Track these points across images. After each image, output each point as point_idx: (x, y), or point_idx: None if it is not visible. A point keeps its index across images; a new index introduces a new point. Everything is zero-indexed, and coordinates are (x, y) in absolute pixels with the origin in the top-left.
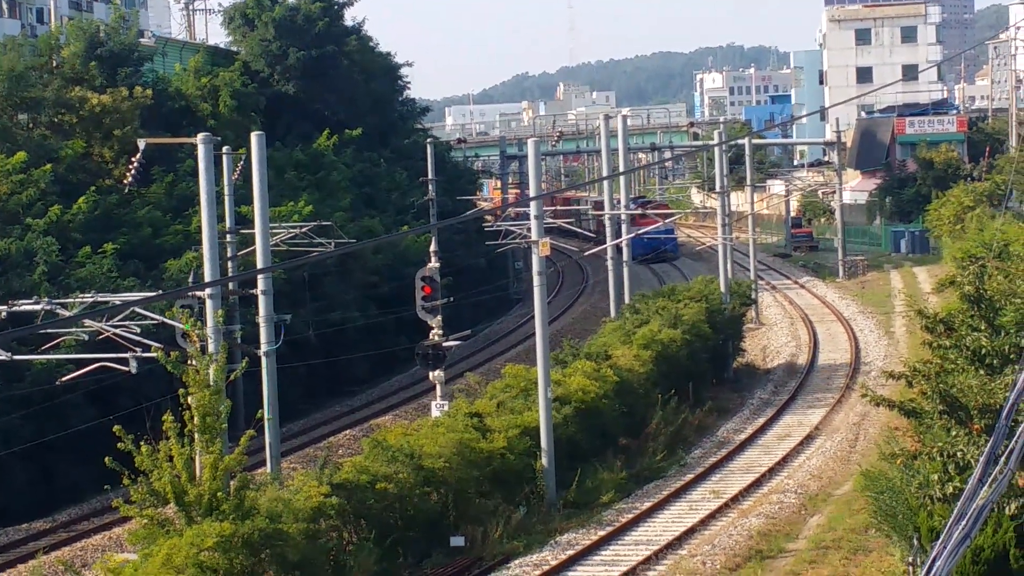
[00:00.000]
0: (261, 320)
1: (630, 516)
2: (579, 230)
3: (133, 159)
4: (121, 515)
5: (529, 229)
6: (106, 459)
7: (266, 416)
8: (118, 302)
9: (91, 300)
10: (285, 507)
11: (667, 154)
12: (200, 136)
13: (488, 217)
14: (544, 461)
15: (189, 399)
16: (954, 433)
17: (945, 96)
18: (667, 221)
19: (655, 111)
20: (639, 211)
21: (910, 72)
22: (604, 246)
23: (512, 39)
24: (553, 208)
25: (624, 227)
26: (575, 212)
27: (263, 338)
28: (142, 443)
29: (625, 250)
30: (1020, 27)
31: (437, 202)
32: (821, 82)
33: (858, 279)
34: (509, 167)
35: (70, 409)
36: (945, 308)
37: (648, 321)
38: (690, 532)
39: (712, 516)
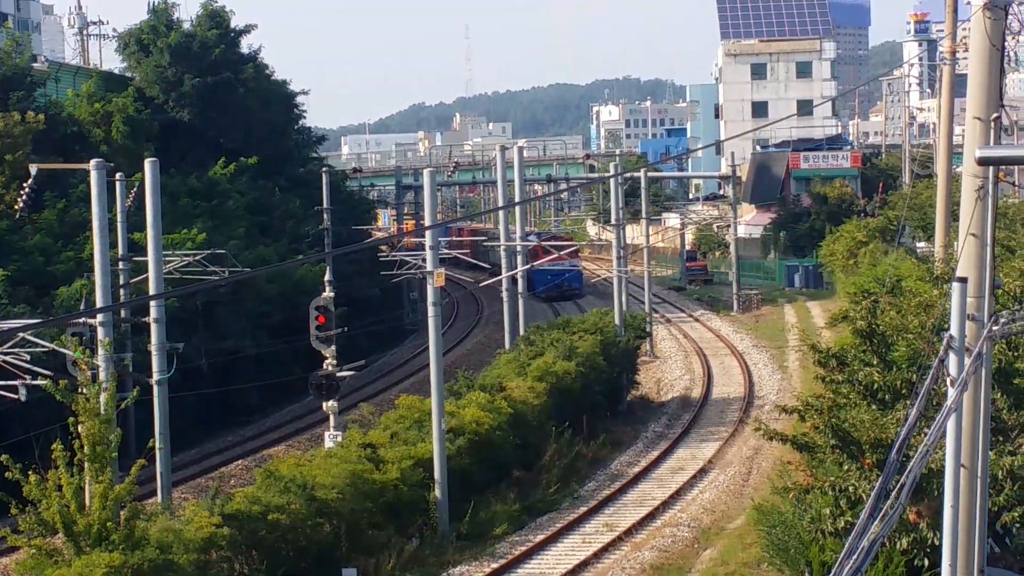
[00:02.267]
0: (153, 348)
1: (523, 549)
2: (477, 262)
3: (24, 184)
4: (9, 545)
5: (424, 260)
6: None
7: (157, 445)
8: (6, 328)
9: None
10: (176, 538)
11: (563, 186)
12: (93, 162)
13: (383, 247)
14: (437, 493)
15: (79, 428)
16: (846, 468)
17: (839, 131)
18: (564, 252)
19: (551, 143)
20: (541, 244)
21: (805, 107)
22: (499, 277)
23: (409, 69)
24: (460, 239)
25: (520, 259)
26: (478, 244)
27: (155, 367)
28: (31, 472)
29: (520, 281)
30: (913, 64)
31: (332, 231)
32: (717, 116)
33: (752, 313)
34: (405, 197)
35: None
36: (838, 343)
37: (543, 353)
38: (583, 565)
39: (605, 549)
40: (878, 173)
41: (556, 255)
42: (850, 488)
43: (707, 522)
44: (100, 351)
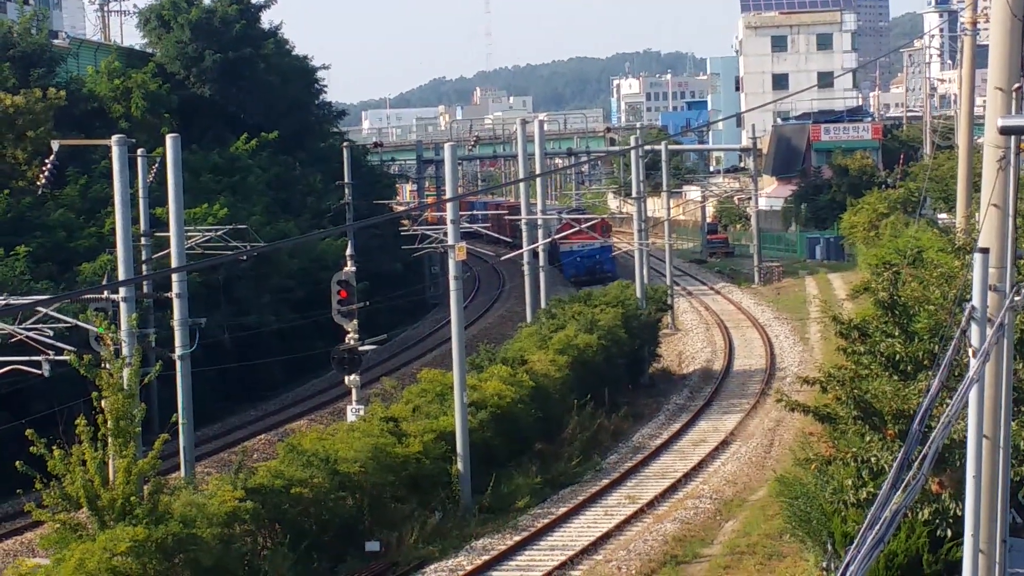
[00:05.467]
0: (176, 323)
1: (546, 521)
2: (501, 236)
3: (46, 161)
4: (33, 519)
5: (446, 233)
6: (17, 463)
7: (180, 420)
8: (29, 303)
9: (3, 303)
10: (199, 512)
11: (583, 159)
12: (115, 138)
13: (405, 221)
14: (460, 466)
15: (103, 403)
16: (868, 439)
17: (860, 103)
18: (590, 224)
19: (572, 116)
20: (571, 218)
21: (825, 79)
22: (521, 251)
23: (429, 43)
24: (498, 213)
25: (541, 232)
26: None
27: (178, 341)
28: (55, 447)
29: (542, 255)
30: (934, 35)
31: (354, 206)
32: (737, 88)
33: (773, 285)
34: (426, 171)
35: None
36: (859, 314)
37: (564, 326)
38: (606, 537)
39: (627, 521)
40: (899, 145)
41: (585, 232)
42: (872, 459)
43: (729, 494)
44: (124, 326)
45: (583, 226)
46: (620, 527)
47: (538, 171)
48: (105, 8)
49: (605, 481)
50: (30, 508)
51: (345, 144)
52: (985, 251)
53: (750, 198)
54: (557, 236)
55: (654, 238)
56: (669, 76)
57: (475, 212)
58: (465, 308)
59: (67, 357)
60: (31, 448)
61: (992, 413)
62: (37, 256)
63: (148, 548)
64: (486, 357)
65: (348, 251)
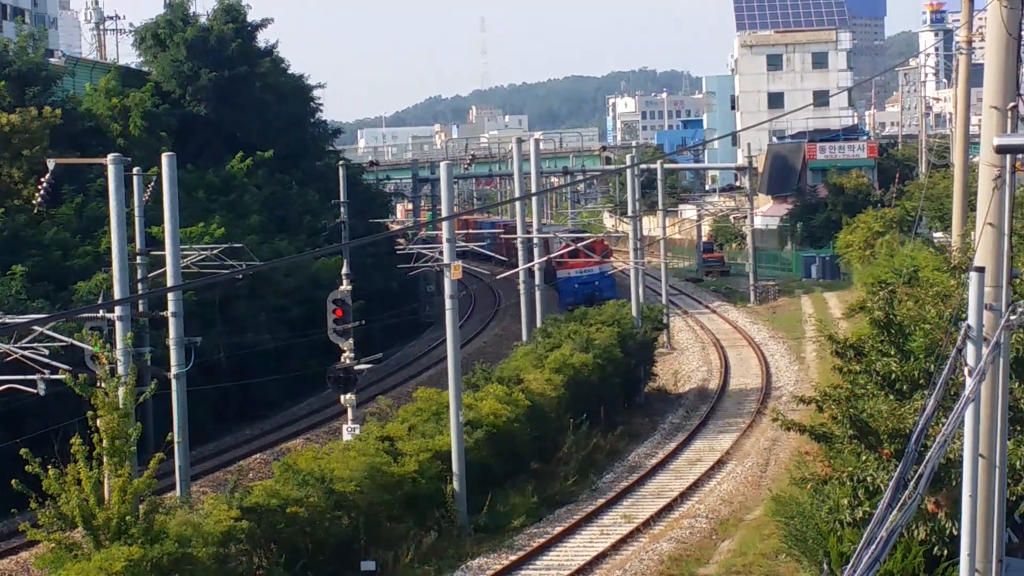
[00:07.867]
0: (171, 342)
1: (541, 540)
2: (495, 254)
3: (42, 179)
4: (28, 539)
5: (441, 252)
6: (13, 482)
7: (176, 439)
8: (23, 322)
9: None
10: (195, 531)
11: (579, 178)
12: (110, 157)
13: (400, 240)
14: (455, 485)
15: (98, 422)
16: (864, 458)
17: (855, 122)
18: (583, 244)
19: (568, 135)
20: (573, 237)
21: (821, 98)
22: (516, 270)
23: (425, 62)
24: (496, 232)
25: (536, 251)
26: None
27: (173, 360)
28: (50, 466)
29: (537, 274)
30: (930, 54)
31: (349, 225)
32: (733, 107)
33: (769, 304)
34: (421, 190)
35: None
36: (855, 333)
37: (560, 345)
38: (601, 557)
39: (623, 541)
40: (895, 163)
41: (583, 251)
42: (868, 478)
43: (725, 513)
44: (119, 345)
45: (579, 245)
46: (616, 547)
47: (534, 190)
48: (101, 27)
49: (601, 500)
50: (25, 528)
51: (341, 163)
52: (981, 270)
53: (746, 217)
54: (553, 255)
55: (650, 257)
56: (665, 95)
57: (481, 231)
58: (460, 327)
59: (62, 376)
60: (26, 467)
61: (988, 432)
62: (33, 275)
63: (143, 568)
64: (482, 376)
65: (344, 270)
